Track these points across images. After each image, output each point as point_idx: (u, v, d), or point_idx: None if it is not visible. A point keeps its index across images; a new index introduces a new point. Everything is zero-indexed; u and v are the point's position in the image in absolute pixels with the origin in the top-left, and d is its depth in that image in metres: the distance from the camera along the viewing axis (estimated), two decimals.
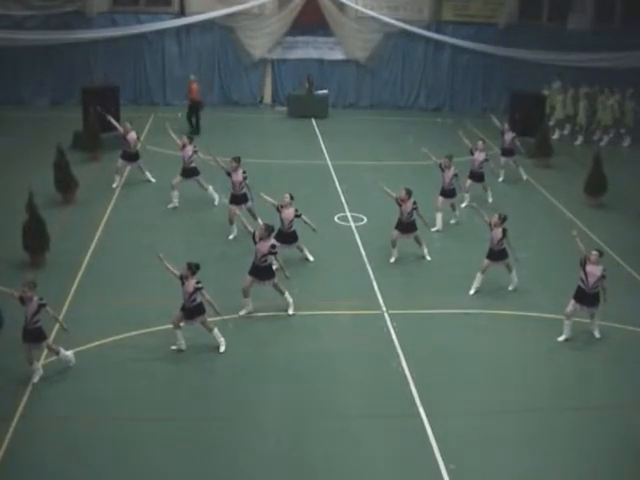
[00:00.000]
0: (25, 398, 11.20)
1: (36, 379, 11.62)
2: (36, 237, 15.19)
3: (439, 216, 17.81)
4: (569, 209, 19.60)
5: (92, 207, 18.42)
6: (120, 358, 12.34)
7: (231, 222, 16.69)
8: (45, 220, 15.32)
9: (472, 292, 14.95)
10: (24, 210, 15.21)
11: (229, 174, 16.85)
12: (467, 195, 19.16)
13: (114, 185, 19.80)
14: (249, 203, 16.99)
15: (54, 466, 10.00)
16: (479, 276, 14.91)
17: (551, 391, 12.06)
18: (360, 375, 12.30)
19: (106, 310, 13.64)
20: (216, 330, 12.70)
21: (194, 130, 24.61)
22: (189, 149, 18.40)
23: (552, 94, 26.66)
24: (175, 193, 18.53)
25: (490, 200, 19.39)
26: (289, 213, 15.31)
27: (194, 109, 25.10)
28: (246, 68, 29.39)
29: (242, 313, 13.83)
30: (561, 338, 13.37)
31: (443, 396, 11.80)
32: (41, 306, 11.49)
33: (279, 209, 15.32)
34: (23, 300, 11.48)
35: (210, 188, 18.76)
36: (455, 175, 17.65)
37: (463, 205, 18.96)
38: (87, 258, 15.78)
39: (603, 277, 13.03)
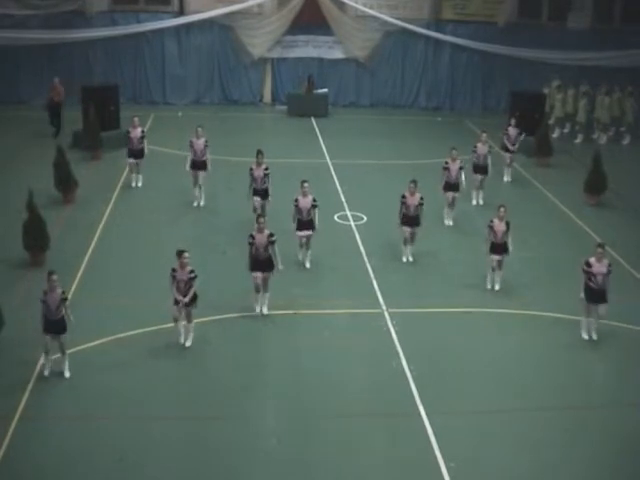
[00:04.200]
0: (25, 398, 11.19)
1: (47, 372, 11.60)
2: (36, 237, 15.19)
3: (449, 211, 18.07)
4: (569, 208, 19.59)
5: (92, 207, 18.40)
6: (120, 358, 12.34)
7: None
8: (45, 220, 15.32)
9: (497, 287, 15.00)
10: (24, 210, 15.21)
11: (251, 170, 16.88)
12: (475, 192, 19.32)
13: (132, 184, 19.88)
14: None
15: (54, 466, 10.00)
16: (494, 272, 14.97)
17: (551, 390, 12.06)
18: (360, 374, 12.30)
19: (106, 310, 13.63)
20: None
21: (58, 131, 23.76)
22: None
23: (552, 93, 26.64)
24: (197, 192, 18.65)
25: (481, 203, 19.38)
26: (307, 202, 15.35)
27: (57, 110, 23.97)
28: (246, 67, 29.34)
29: (262, 310, 13.81)
30: (585, 336, 13.42)
31: (443, 395, 11.80)
32: (62, 300, 11.49)
33: (297, 201, 15.35)
34: (45, 292, 11.43)
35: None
36: (460, 168, 17.73)
37: (474, 203, 19.22)
38: (87, 258, 15.77)
39: (609, 272, 13.10)
